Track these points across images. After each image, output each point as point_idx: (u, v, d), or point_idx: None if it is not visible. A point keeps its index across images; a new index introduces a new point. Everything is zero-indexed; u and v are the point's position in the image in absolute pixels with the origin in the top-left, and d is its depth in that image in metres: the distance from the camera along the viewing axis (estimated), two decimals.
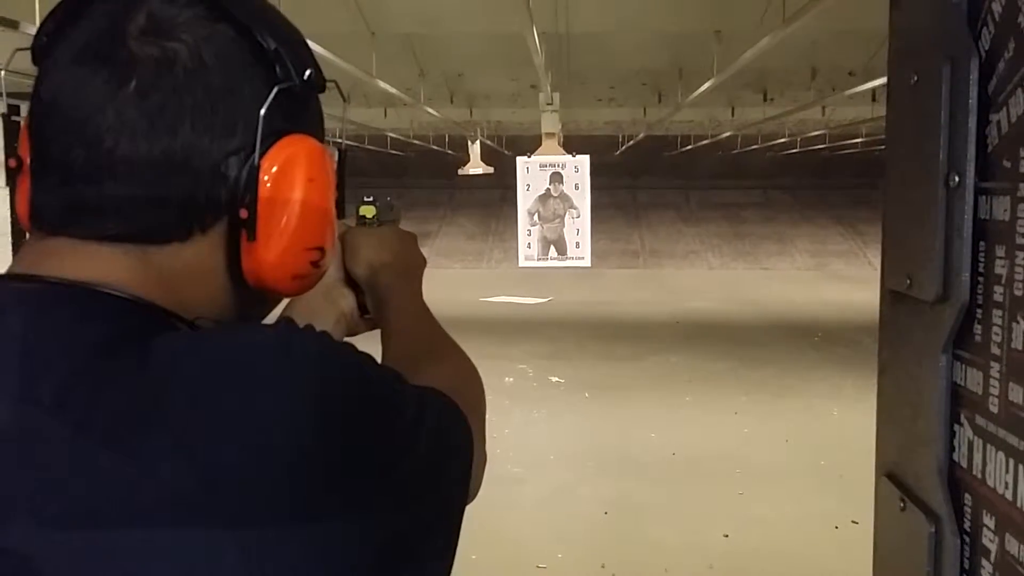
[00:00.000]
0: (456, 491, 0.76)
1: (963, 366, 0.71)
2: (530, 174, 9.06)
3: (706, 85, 7.36)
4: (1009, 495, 0.65)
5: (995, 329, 0.67)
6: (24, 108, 0.87)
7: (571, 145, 9.68)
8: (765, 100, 10.52)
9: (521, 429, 7.31)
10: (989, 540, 0.68)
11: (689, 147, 18.27)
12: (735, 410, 8.09)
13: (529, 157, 9.04)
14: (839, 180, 23.48)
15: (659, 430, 7.45)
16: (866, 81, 7.40)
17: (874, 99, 9.35)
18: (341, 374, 0.67)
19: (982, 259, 0.68)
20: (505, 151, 15.99)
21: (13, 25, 4.26)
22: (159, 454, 0.60)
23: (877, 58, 7.66)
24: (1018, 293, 0.64)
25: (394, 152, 17.89)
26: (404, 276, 1.09)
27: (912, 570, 0.76)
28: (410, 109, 10.46)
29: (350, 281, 1.10)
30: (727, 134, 15.43)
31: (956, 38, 0.70)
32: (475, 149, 13.86)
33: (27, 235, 0.75)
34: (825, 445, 6.98)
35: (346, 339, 0.99)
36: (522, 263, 9.25)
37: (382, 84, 7.24)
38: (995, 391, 0.67)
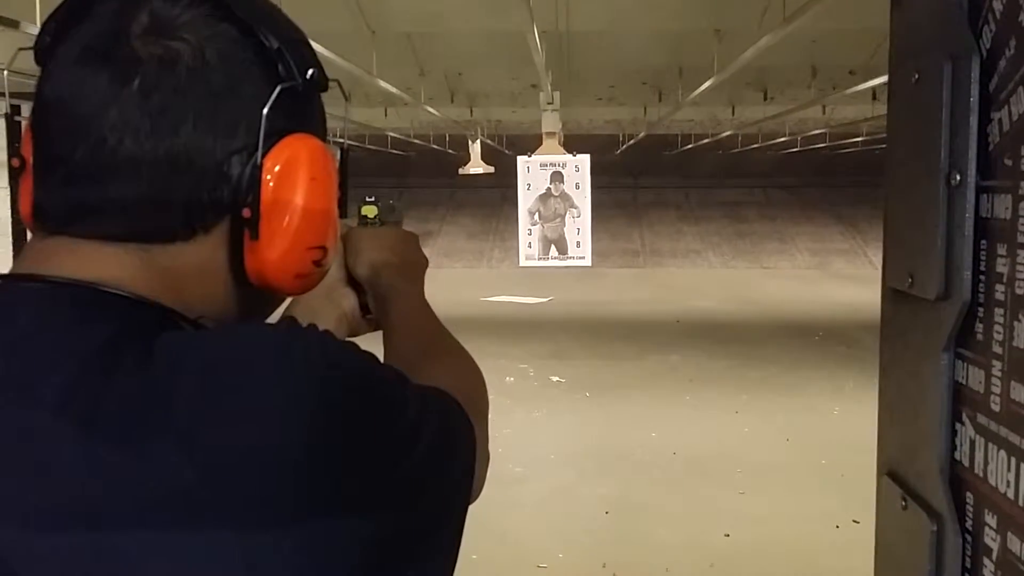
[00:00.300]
0: (459, 490, 0.76)
1: (965, 364, 0.71)
2: (531, 173, 9.06)
3: (706, 84, 7.36)
4: (1011, 494, 0.65)
5: (996, 327, 0.67)
6: (25, 108, 0.87)
7: (571, 144, 9.69)
8: (765, 99, 10.52)
9: (522, 429, 7.31)
10: (991, 539, 0.68)
11: (690, 146, 18.26)
12: (736, 409, 8.09)
13: (530, 156, 9.04)
14: (840, 179, 23.47)
15: (660, 429, 7.45)
16: (867, 80, 7.40)
17: (875, 98, 9.35)
18: (343, 373, 0.67)
19: (983, 257, 0.68)
20: (506, 150, 15.99)
21: (14, 25, 4.26)
22: (162, 454, 0.60)
23: (877, 57, 7.66)
24: (1019, 291, 0.64)
25: (394, 151, 17.89)
26: (406, 276, 1.09)
27: (914, 569, 0.76)
28: (410, 108, 10.46)
29: (352, 281, 1.10)
30: (727, 133, 15.43)
31: (957, 36, 0.70)
32: (476, 148, 13.87)
33: (28, 234, 0.75)
34: (826, 444, 6.98)
35: (348, 339, 0.99)
36: (523, 262, 9.25)
37: (382, 83, 7.24)
38: (997, 389, 0.67)
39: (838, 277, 18.46)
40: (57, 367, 0.63)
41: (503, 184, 15.84)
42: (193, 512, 0.60)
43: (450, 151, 17.39)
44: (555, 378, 9.36)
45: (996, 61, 0.67)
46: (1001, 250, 0.66)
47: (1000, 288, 0.66)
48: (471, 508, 0.79)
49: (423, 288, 1.11)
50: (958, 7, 0.70)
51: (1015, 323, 0.64)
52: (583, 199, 9.01)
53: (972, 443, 0.70)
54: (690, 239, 22.77)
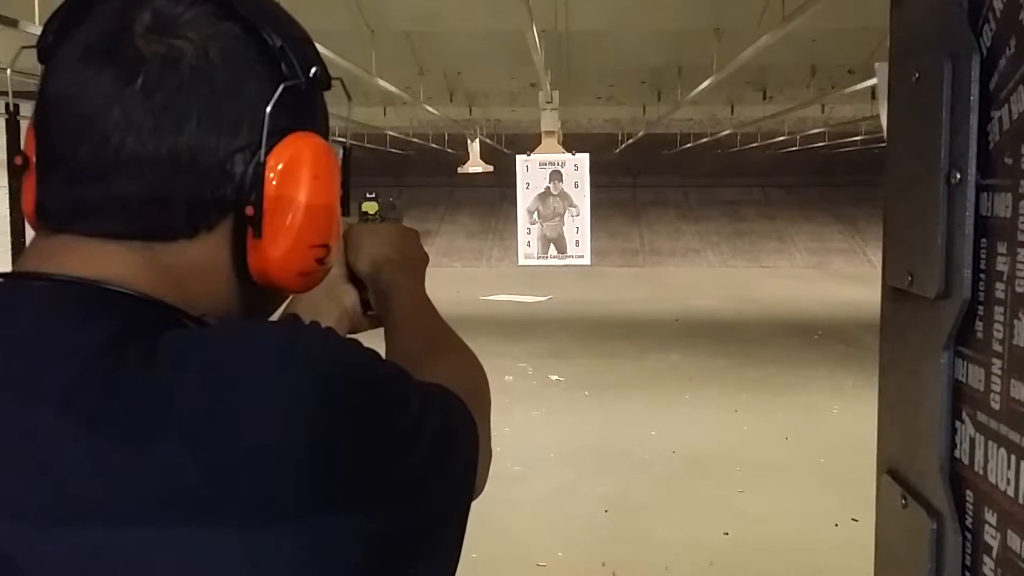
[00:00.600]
0: (461, 487, 0.76)
1: (964, 363, 0.71)
2: (530, 172, 9.06)
3: (706, 83, 7.36)
4: (1011, 491, 0.65)
5: (996, 326, 0.67)
6: (24, 107, 0.87)
7: (571, 143, 9.69)
8: (765, 98, 10.52)
9: (521, 427, 7.31)
10: (991, 536, 0.68)
11: (689, 145, 18.26)
12: (735, 408, 8.09)
13: (529, 155, 9.04)
14: (839, 178, 23.47)
15: (659, 428, 7.45)
16: (866, 79, 7.40)
17: (874, 97, 9.33)
18: (346, 371, 0.67)
19: (983, 256, 0.69)
20: (505, 149, 15.99)
21: (13, 24, 4.26)
22: (165, 451, 0.60)
23: (877, 56, 7.65)
24: (1019, 290, 0.64)
25: (394, 150, 17.89)
26: (407, 272, 1.09)
27: (914, 567, 0.76)
28: (410, 107, 10.46)
29: (353, 278, 1.10)
30: (726, 132, 15.42)
31: (957, 35, 0.70)
32: (475, 147, 13.86)
33: (27, 232, 0.75)
34: (825, 443, 6.98)
35: (350, 336, 0.99)
36: (522, 261, 9.25)
37: (382, 82, 7.24)
38: (996, 387, 0.67)
39: (837, 276, 18.47)
40: (60, 365, 0.63)
41: (502, 183, 15.84)
42: (196, 510, 0.60)
43: (449, 150, 17.38)
44: (554, 377, 9.36)
45: (996, 60, 0.67)
46: (1001, 248, 0.66)
47: (1000, 286, 0.66)
48: (471, 506, 0.79)
49: (424, 284, 1.11)
50: (958, 6, 0.70)
51: (1015, 321, 0.64)
52: (582, 198, 9.01)
53: (972, 441, 0.71)
54: (689, 238, 22.77)
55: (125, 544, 0.59)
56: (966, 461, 0.71)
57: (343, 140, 0.90)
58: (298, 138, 0.74)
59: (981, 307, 0.69)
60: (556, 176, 9.03)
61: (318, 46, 0.80)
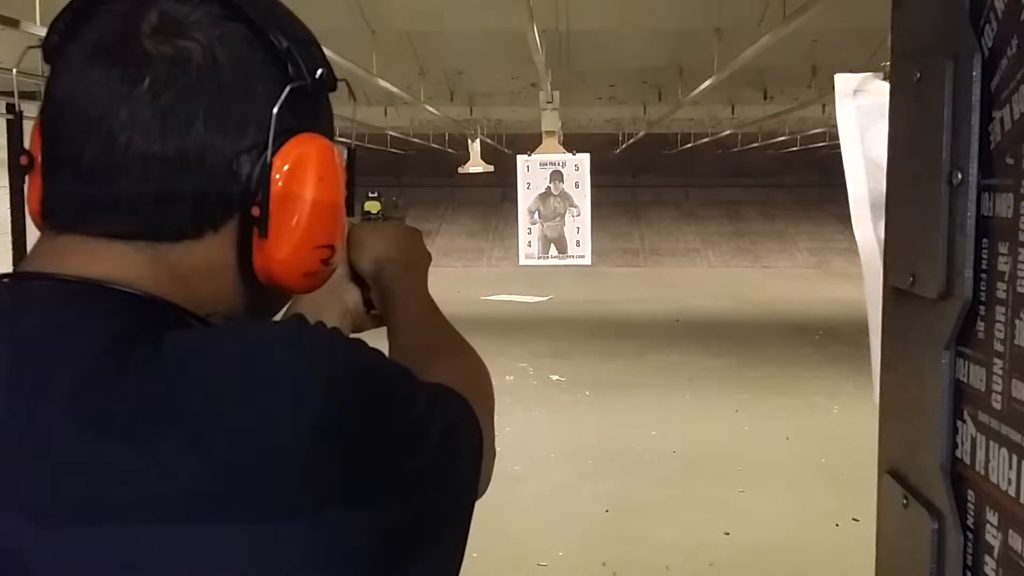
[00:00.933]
0: (466, 487, 0.76)
1: (966, 363, 0.72)
2: (530, 172, 9.05)
3: (706, 83, 7.36)
4: (1012, 491, 0.65)
5: (998, 326, 0.67)
6: (26, 106, 0.87)
7: (571, 143, 9.68)
8: (765, 98, 10.51)
9: (522, 427, 7.31)
10: (992, 536, 0.68)
11: (689, 145, 18.25)
12: (736, 408, 8.09)
13: (529, 155, 9.03)
14: (840, 178, 23.28)
15: (660, 428, 7.45)
16: None
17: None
18: (352, 371, 0.68)
19: (985, 256, 0.69)
20: (505, 149, 15.98)
21: (14, 24, 4.26)
22: (174, 450, 0.61)
23: (878, 56, 7.65)
24: (1021, 290, 0.64)
25: (394, 150, 17.89)
26: (410, 271, 1.09)
27: (915, 567, 0.76)
28: (410, 107, 10.46)
29: (355, 277, 1.10)
30: (727, 132, 15.42)
31: (959, 36, 0.70)
32: (475, 147, 13.86)
33: (27, 233, 0.75)
34: (826, 443, 6.98)
35: (353, 335, 0.99)
36: (522, 261, 9.25)
37: (382, 82, 7.24)
38: (998, 387, 0.67)
39: (838, 276, 18.45)
40: (67, 365, 0.64)
41: (503, 183, 15.86)
42: (204, 508, 0.60)
43: (450, 150, 17.38)
44: (555, 377, 9.36)
45: (998, 60, 0.67)
46: (1003, 249, 0.66)
47: (1001, 286, 0.66)
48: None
49: (427, 283, 1.11)
50: (959, 6, 0.70)
51: (1016, 321, 0.64)
52: (583, 198, 9.00)
53: (973, 441, 0.71)
54: (690, 238, 22.77)
55: (133, 543, 0.60)
56: (967, 461, 0.72)
57: (348, 141, 0.90)
58: (304, 139, 0.74)
59: (982, 307, 0.69)
60: (557, 176, 9.02)
61: None
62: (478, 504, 0.79)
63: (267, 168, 0.72)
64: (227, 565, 0.60)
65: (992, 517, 0.68)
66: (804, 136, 16.19)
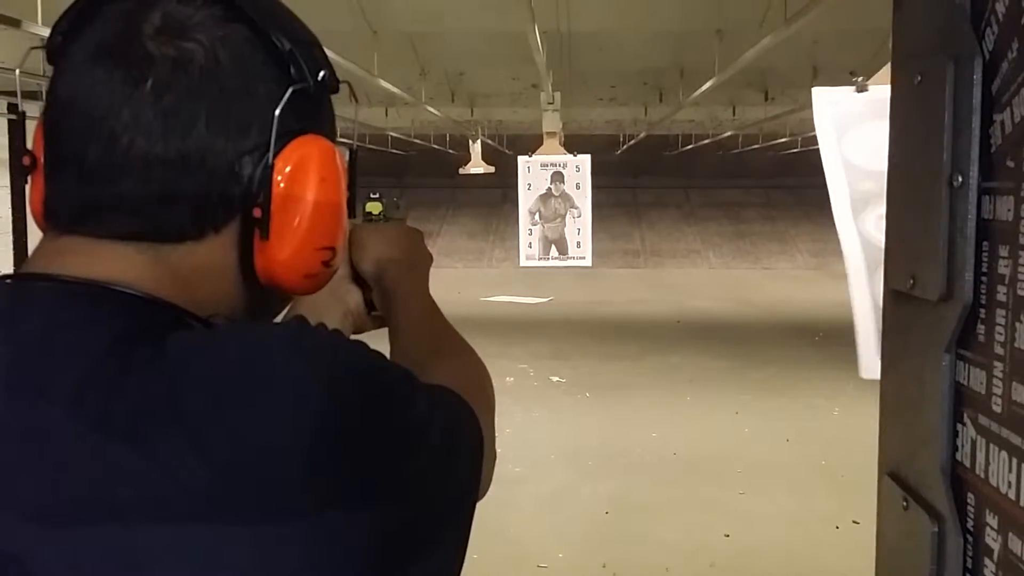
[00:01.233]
0: (466, 488, 0.77)
1: (966, 365, 0.71)
2: (531, 173, 9.05)
3: (707, 84, 7.36)
4: (1012, 494, 0.65)
5: (998, 329, 0.67)
6: (27, 106, 0.87)
7: (572, 144, 9.68)
8: (766, 99, 10.51)
9: (522, 429, 7.31)
10: (992, 539, 0.68)
11: (690, 146, 18.24)
12: (736, 409, 8.09)
13: (530, 156, 9.03)
14: None
15: (660, 429, 7.45)
16: (867, 80, 7.38)
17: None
18: (353, 372, 0.68)
19: (985, 259, 0.69)
20: (506, 150, 15.98)
21: (15, 24, 4.26)
22: (175, 451, 0.61)
23: (879, 57, 7.64)
24: (1021, 293, 0.64)
25: (395, 151, 17.89)
26: (411, 272, 1.09)
27: (915, 569, 0.76)
28: (411, 108, 10.46)
29: (357, 278, 1.10)
30: (728, 133, 15.42)
31: (960, 38, 0.70)
32: (476, 148, 13.86)
33: (28, 233, 0.75)
34: (826, 445, 6.98)
35: (354, 336, 1.00)
36: (523, 262, 9.24)
37: (383, 83, 7.24)
38: (998, 390, 0.67)
39: (839, 278, 18.39)
40: (69, 366, 0.64)
41: (503, 184, 15.84)
42: (206, 509, 0.60)
43: (451, 151, 17.38)
44: (555, 378, 9.35)
45: (998, 63, 0.67)
46: (1003, 252, 0.66)
47: (1002, 289, 0.66)
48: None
49: (428, 285, 1.11)
50: (960, 9, 0.70)
51: (1016, 324, 0.64)
52: (583, 199, 8.99)
53: (973, 444, 0.71)
54: (690, 239, 22.76)
55: (135, 544, 0.60)
56: (967, 464, 0.72)
57: (349, 142, 0.90)
58: (306, 141, 0.75)
59: (983, 310, 0.69)
60: (557, 177, 9.02)
61: None
62: (478, 505, 0.80)
63: (269, 169, 0.72)
64: (227, 565, 0.60)
65: (992, 520, 0.68)
66: (805, 137, 16.17)
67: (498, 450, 0.86)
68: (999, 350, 0.67)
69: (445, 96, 10.40)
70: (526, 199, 9.06)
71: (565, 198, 9.02)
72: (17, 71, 0.90)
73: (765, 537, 5.25)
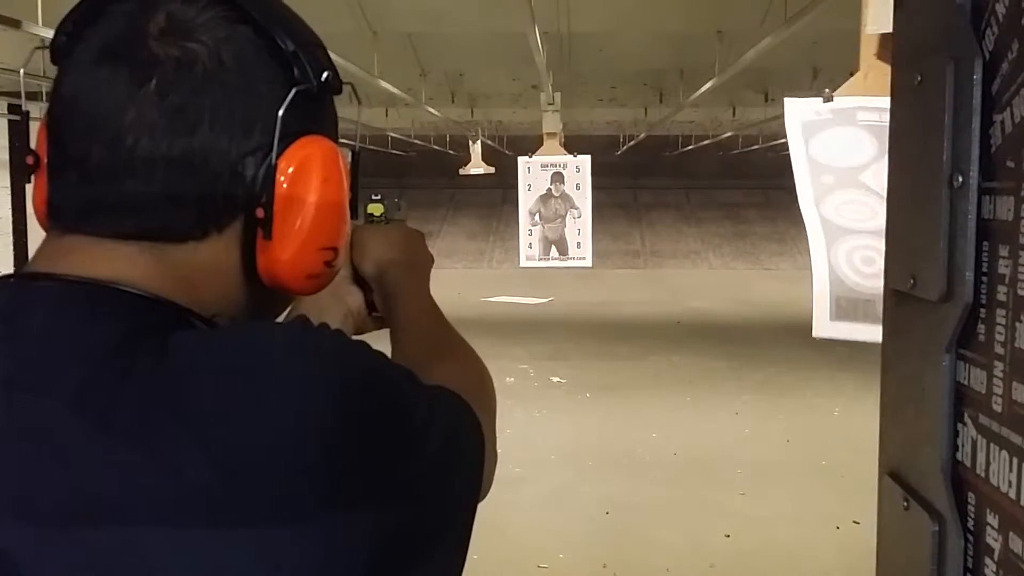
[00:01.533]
0: (467, 489, 0.77)
1: (966, 365, 0.72)
2: (531, 174, 9.04)
3: (707, 85, 7.36)
4: (1012, 494, 0.65)
5: (999, 328, 0.67)
6: (28, 107, 0.87)
7: (572, 145, 9.67)
8: (766, 100, 10.51)
9: (522, 429, 7.31)
10: (992, 539, 0.68)
11: (690, 147, 18.24)
12: (736, 410, 8.09)
13: (530, 157, 9.03)
14: None
15: (660, 430, 7.45)
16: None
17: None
18: (356, 372, 0.68)
19: (985, 259, 0.69)
20: (506, 151, 15.99)
21: (16, 24, 4.26)
22: (178, 452, 0.61)
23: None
24: (1022, 293, 0.64)
25: (395, 152, 17.89)
26: (412, 273, 1.09)
27: (915, 569, 0.76)
28: (411, 109, 10.46)
29: (358, 279, 1.10)
30: (728, 134, 15.42)
31: (960, 39, 0.70)
32: (476, 149, 13.86)
33: (29, 234, 0.75)
34: (826, 445, 6.98)
35: (355, 337, 1.00)
36: (523, 263, 9.23)
37: (383, 84, 7.24)
38: (998, 390, 0.67)
39: None
40: (73, 366, 0.64)
41: (504, 185, 15.84)
42: (209, 510, 0.60)
43: (451, 151, 17.38)
44: (555, 379, 9.36)
45: (998, 63, 0.67)
46: (1003, 252, 0.66)
47: (1002, 289, 0.66)
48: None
49: (428, 286, 1.12)
50: (961, 9, 0.71)
51: (1017, 324, 0.64)
52: (584, 200, 8.98)
53: (974, 443, 0.71)
54: (690, 240, 22.77)
55: (138, 544, 0.60)
56: (968, 463, 0.72)
57: (351, 143, 0.90)
58: (309, 141, 0.75)
59: (983, 310, 0.69)
60: (558, 178, 9.01)
61: None
62: (480, 506, 0.80)
63: (272, 170, 0.72)
64: (228, 566, 0.60)
65: (992, 520, 0.68)
66: None
67: (498, 450, 0.86)
68: (999, 350, 0.67)
69: (445, 97, 10.40)
70: (526, 200, 9.05)
71: (565, 199, 9.02)
72: (21, 71, 0.90)
73: (765, 537, 5.25)
